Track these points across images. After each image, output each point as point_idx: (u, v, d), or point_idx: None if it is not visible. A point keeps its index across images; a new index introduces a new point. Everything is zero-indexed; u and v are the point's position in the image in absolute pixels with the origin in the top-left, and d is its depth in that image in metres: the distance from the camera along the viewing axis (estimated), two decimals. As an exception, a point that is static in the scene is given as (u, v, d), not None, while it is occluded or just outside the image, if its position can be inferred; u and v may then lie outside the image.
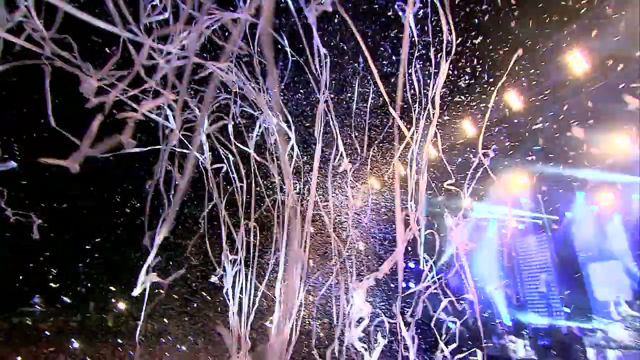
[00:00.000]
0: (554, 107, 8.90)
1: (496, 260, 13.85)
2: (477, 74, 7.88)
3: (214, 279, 3.98)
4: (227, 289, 3.63)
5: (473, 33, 6.81)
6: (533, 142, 10.33)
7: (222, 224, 3.68)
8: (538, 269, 13.69)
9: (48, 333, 15.86)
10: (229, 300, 3.64)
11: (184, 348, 12.66)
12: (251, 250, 3.76)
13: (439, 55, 2.90)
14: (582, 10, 7.23)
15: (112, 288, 20.21)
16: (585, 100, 8.66)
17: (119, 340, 13.66)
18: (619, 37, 7.35)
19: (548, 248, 13.38)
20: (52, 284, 17.75)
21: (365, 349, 2.80)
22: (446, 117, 8.42)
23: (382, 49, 7.16)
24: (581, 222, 12.49)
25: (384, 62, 7.14)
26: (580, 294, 12.20)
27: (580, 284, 12.36)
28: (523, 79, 8.27)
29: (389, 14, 6.56)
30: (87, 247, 15.36)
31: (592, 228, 12.25)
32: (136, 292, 2.16)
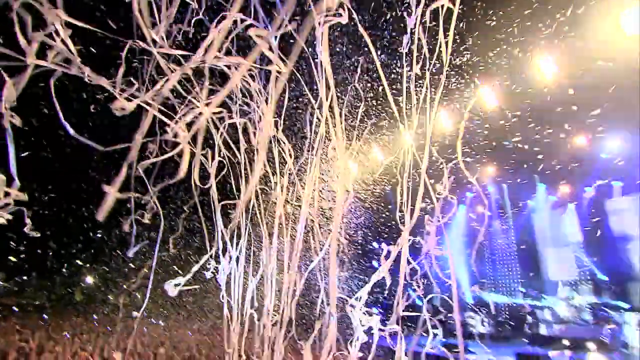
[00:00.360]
0: (524, 106, 9.73)
1: (463, 243, 15.13)
2: (457, 72, 8.54)
3: (209, 275, 4.43)
4: (222, 284, 4.10)
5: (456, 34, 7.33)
6: (503, 137, 11.25)
7: (218, 223, 4.10)
8: (501, 251, 15.09)
9: (16, 309, 15.76)
10: (222, 290, 4.13)
11: (161, 323, 13.06)
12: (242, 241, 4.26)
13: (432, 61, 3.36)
14: (556, 17, 7.95)
15: (80, 262, 20.07)
16: (553, 101, 9.52)
17: (95, 316, 13.87)
18: (587, 44, 8.17)
19: (510, 233, 14.76)
20: (12, 258, 17.41)
21: None
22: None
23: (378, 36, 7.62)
24: (541, 210, 13.83)
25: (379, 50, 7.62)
26: (535, 276, 13.67)
27: (536, 266, 13.81)
28: (498, 80, 8.98)
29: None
30: (56, 221, 15.18)
31: (550, 216, 13.62)
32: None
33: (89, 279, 21.14)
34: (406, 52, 3.22)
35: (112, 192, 1.98)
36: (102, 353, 8.54)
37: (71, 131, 2.53)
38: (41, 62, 2.20)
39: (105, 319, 13.15)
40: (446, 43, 3.00)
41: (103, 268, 18.68)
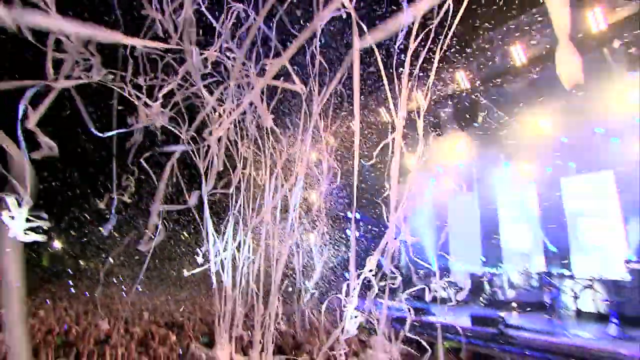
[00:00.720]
0: (494, 89, 10.49)
1: (430, 215, 16.37)
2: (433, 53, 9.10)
3: (200, 260, 4.98)
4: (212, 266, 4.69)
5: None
6: (474, 117, 12.08)
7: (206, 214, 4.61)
8: (465, 223, 16.44)
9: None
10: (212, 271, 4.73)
11: (139, 288, 13.58)
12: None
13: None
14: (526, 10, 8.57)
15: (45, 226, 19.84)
16: (520, 86, 10.34)
17: (70, 281, 14.15)
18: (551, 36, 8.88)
19: (475, 206, 16.07)
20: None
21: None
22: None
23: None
24: (504, 186, 15.13)
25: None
26: (495, 246, 15.16)
27: (496, 237, 15.28)
28: (473, 64, 9.61)
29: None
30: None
31: (511, 192, 14.97)
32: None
33: (57, 244, 21.01)
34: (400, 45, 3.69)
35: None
36: (87, 318, 9.02)
37: (99, 134, 2.93)
38: (68, 84, 2.55)
39: (81, 285, 13.50)
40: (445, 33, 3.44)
41: (72, 234, 18.68)
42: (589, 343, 7.31)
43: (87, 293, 12.43)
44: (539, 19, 8.85)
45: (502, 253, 14.91)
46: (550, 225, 13.49)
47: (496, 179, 15.23)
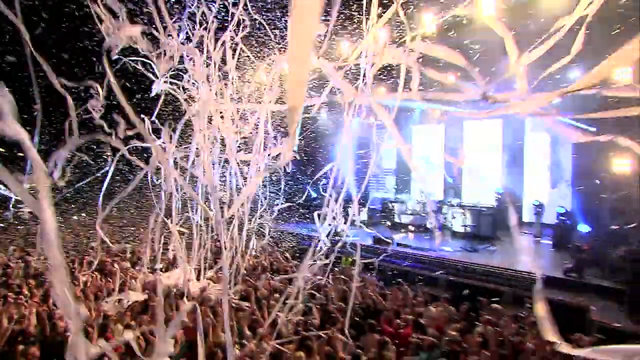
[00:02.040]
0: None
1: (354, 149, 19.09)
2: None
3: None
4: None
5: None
6: (396, 73, 14.16)
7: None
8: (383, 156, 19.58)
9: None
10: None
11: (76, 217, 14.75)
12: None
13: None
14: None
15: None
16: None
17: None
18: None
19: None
20: None
21: None
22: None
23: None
24: (416, 125, 18.20)
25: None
26: (406, 180, 18.69)
27: (407, 171, 18.75)
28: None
29: None
30: None
31: (422, 131, 18.11)
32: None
33: None
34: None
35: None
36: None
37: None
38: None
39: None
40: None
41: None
42: (444, 254, 10.92)
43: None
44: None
45: (409, 184, 18.56)
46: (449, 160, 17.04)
47: (411, 118, 18.16)
